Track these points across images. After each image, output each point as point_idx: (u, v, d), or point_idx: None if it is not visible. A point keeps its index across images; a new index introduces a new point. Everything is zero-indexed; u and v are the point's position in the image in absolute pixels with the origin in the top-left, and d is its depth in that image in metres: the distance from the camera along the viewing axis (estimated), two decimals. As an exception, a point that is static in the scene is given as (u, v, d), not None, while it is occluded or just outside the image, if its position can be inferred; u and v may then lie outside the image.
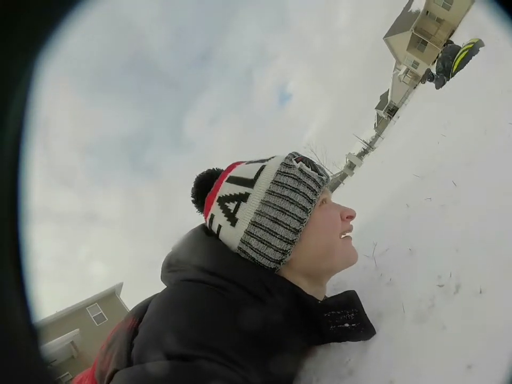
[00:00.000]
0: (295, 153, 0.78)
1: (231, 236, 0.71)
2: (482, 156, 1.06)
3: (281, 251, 0.68)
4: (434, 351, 0.50)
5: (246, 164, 0.79)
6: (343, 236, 0.76)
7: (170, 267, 0.74)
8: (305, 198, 0.70)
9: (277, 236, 0.68)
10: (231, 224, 0.71)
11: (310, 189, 0.72)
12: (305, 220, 0.69)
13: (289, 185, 0.70)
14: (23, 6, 0.19)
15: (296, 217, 0.69)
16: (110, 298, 17.22)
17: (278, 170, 0.73)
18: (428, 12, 22.84)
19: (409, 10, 25.30)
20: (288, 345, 0.64)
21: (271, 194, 0.70)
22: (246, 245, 0.69)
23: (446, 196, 0.96)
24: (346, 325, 0.63)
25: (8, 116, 0.20)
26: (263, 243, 0.68)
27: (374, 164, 6.83)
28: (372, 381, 0.53)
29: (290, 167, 0.73)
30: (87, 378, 0.72)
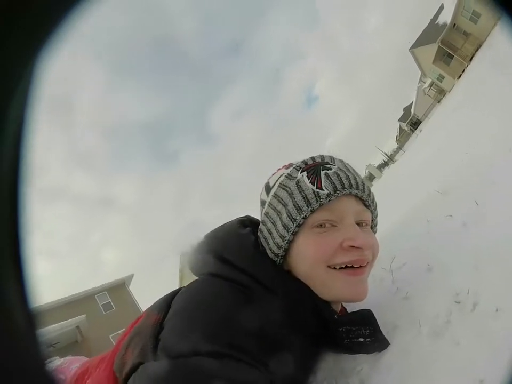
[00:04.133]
0: (312, 159, 0.76)
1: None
2: (505, 175, 1.05)
3: (274, 254, 0.71)
4: (448, 366, 0.51)
5: (286, 168, 0.79)
6: (338, 267, 0.67)
7: (199, 256, 0.76)
8: (288, 216, 0.69)
9: (269, 245, 0.72)
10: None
11: (295, 206, 0.68)
12: (286, 239, 0.69)
13: (282, 199, 0.72)
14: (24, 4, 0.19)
15: (279, 233, 0.70)
16: (119, 288, 17.49)
17: (280, 183, 0.74)
18: (455, 24, 22.38)
19: (436, 22, 24.85)
20: (303, 348, 0.65)
21: (269, 206, 0.74)
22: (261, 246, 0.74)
23: (468, 214, 0.96)
24: (361, 339, 0.63)
25: (9, 115, 0.20)
26: (266, 243, 0.73)
27: (394, 176, 6.73)
28: None
29: (291, 179, 0.73)
30: (97, 368, 0.75)
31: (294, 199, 0.69)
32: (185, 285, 0.72)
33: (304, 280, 0.68)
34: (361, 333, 0.63)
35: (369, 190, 0.73)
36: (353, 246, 0.66)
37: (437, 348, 0.57)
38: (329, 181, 0.68)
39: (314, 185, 0.68)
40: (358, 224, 0.70)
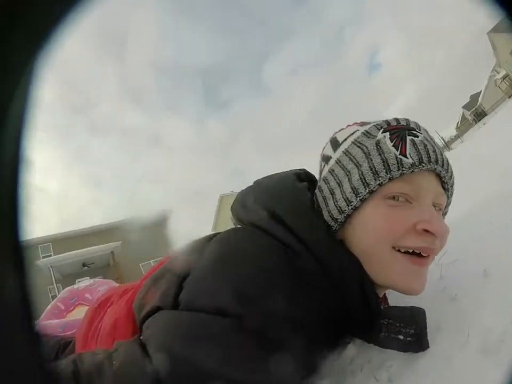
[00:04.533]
0: (396, 120, 0.65)
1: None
2: None
3: (332, 218, 0.64)
4: None
5: (351, 125, 0.71)
6: (403, 250, 0.59)
7: (245, 203, 0.70)
8: (361, 179, 0.60)
9: (328, 206, 0.64)
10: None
11: (372, 170, 0.59)
12: (352, 204, 0.61)
13: (355, 158, 0.62)
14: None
15: (344, 196, 0.62)
16: (156, 223, 18.30)
17: (355, 139, 0.64)
18: None
19: None
20: (333, 331, 0.60)
21: (337, 163, 0.65)
22: (316, 204, 0.67)
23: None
24: (401, 337, 0.56)
25: (10, 112, 0.20)
26: (324, 203, 0.65)
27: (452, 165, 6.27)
28: None
29: (369, 137, 0.63)
30: (119, 299, 0.73)
31: (371, 161, 0.60)
32: (220, 230, 0.67)
33: (359, 256, 0.61)
34: (403, 331, 0.56)
35: (452, 172, 0.63)
36: (427, 231, 0.58)
37: (485, 367, 0.49)
38: (416, 149, 0.59)
39: (397, 150, 0.59)
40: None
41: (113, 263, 14.94)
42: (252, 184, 0.76)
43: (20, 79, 0.20)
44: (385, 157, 0.59)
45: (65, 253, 13.93)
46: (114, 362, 0.47)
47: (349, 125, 0.72)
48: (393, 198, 0.60)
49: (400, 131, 0.62)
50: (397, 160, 0.58)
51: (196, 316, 0.48)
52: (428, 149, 0.59)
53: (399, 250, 0.59)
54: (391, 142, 0.60)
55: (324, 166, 0.70)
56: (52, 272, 13.84)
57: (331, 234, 0.63)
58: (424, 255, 0.60)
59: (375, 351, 0.59)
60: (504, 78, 27.89)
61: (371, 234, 0.60)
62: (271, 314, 0.49)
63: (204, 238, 0.67)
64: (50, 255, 14.88)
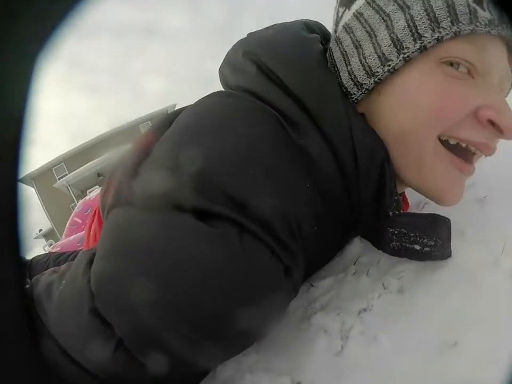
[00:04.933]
0: None
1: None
2: None
3: (354, 83, 0.46)
4: None
5: None
6: (452, 142, 0.46)
7: (232, 60, 0.52)
8: (409, 27, 0.41)
9: (350, 64, 0.46)
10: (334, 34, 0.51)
11: (428, 15, 0.40)
12: (390, 63, 0.43)
13: None
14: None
15: (379, 52, 0.43)
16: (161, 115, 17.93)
17: None
18: None
19: None
20: (341, 227, 0.50)
21: (369, 4, 0.45)
22: (331, 61, 0.49)
23: None
24: (417, 247, 0.45)
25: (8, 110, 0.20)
26: (344, 62, 0.47)
27: None
28: (427, 319, 0.42)
29: None
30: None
31: (429, 1, 0.40)
32: None
33: (388, 141, 0.46)
34: (419, 241, 0.45)
35: None
36: (492, 123, 0.42)
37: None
38: (495, 4, 0.39)
39: None
40: None
41: None
42: (245, 37, 0.55)
43: (20, 79, 0.20)
44: (452, 1, 0.39)
45: (79, 168, 13.64)
46: (63, 281, 0.38)
47: None
48: (451, 64, 0.42)
49: None
50: (469, 9, 0.39)
51: (145, 216, 0.36)
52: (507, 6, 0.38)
53: (445, 142, 0.45)
54: None
55: (344, 12, 0.49)
56: (70, 190, 13.82)
57: (349, 103, 0.46)
58: (472, 153, 0.47)
59: (388, 259, 0.50)
60: None
61: (415, 113, 0.44)
62: (251, 203, 0.36)
63: (178, 110, 0.49)
64: (66, 174, 14.54)
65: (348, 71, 0.46)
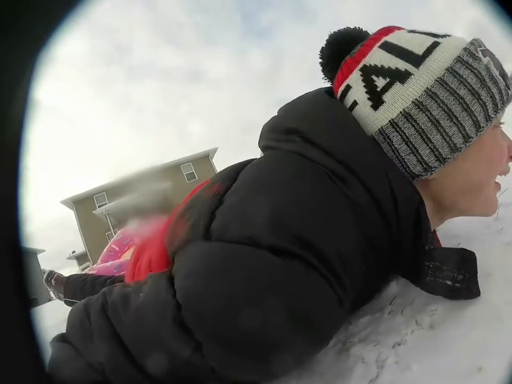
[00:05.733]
0: (481, 41, 0.55)
1: (367, 120, 0.55)
2: None
3: (424, 165, 0.53)
4: None
5: (408, 31, 0.57)
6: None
7: (274, 134, 0.61)
8: (483, 110, 0.51)
9: (429, 145, 0.52)
10: (372, 106, 0.55)
11: (492, 100, 0.52)
12: (471, 140, 0.52)
13: (469, 84, 0.51)
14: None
15: (462, 131, 0.51)
16: (203, 160, 18.66)
17: (458, 57, 0.52)
18: None
19: None
20: (383, 268, 0.57)
21: (442, 86, 0.51)
22: (384, 139, 0.54)
23: None
24: (448, 282, 0.51)
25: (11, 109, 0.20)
26: (408, 145, 0.53)
27: None
28: (455, 349, 0.47)
29: (475, 59, 0.52)
30: (157, 236, 0.72)
31: (490, 89, 0.52)
32: None
33: (455, 191, 0.58)
34: (451, 275, 0.51)
35: None
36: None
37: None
38: (509, 78, 0.55)
39: (503, 80, 0.54)
40: None
41: (165, 203, 15.67)
42: (277, 112, 0.66)
43: (20, 79, 0.20)
44: (499, 87, 0.53)
45: (119, 200, 14.39)
46: (141, 294, 0.47)
47: (391, 27, 0.59)
48: (495, 126, 0.57)
49: (493, 56, 0.54)
50: (506, 91, 0.54)
51: (227, 246, 0.45)
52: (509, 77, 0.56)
53: None
54: (496, 70, 0.53)
55: (392, 83, 0.53)
56: (108, 219, 14.67)
57: (382, 157, 0.53)
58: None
59: (419, 292, 0.56)
60: None
61: (490, 167, 0.57)
62: (314, 242, 0.44)
63: (242, 163, 0.61)
64: (106, 203, 15.53)
65: (430, 148, 0.52)
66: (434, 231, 0.68)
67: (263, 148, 0.63)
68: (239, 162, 0.63)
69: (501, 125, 0.58)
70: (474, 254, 0.52)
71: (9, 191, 0.22)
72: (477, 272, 0.51)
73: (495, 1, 0.31)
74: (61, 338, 0.52)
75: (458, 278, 0.51)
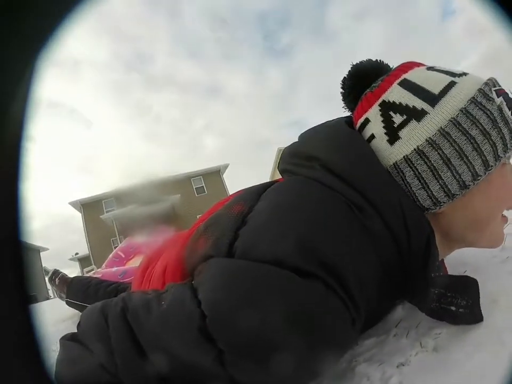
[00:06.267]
0: (496, 81, 0.58)
1: (384, 153, 0.58)
2: None
3: (434, 200, 0.56)
4: None
5: (427, 69, 0.61)
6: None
7: (295, 159, 0.64)
8: (493, 150, 0.54)
9: (439, 181, 0.54)
10: (389, 141, 0.57)
11: (502, 141, 0.54)
12: (480, 178, 0.54)
13: (480, 124, 0.53)
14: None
15: (472, 169, 0.54)
16: (213, 175, 18.62)
17: (472, 98, 0.54)
18: None
19: None
20: (392, 293, 0.60)
21: (455, 126, 0.54)
22: (397, 173, 0.57)
23: None
24: (453, 308, 0.54)
25: (12, 108, 0.20)
26: (419, 181, 0.55)
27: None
28: (457, 371, 0.48)
29: (489, 100, 0.54)
30: (172, 247, 0.75)
31: (500, 130, 0.54)
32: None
33: (465, 225, 0.60)
34: (455, 302, 0.54)
35: None
36: None
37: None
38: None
39: None
40: None
41: (173, 215, 15.59)
42: (297, 139, 0.69)
43: (21, 79, 0.20)
44: (510, 127, 0.55)
45: (127, 207, 14.35)
46: (163, 302, 0.48)
47: (411, 63, 0.63)
48: (504, 165, 0.58)
49: (506, 96, 0.56)
50: None
51: (253, 265, 0.46)
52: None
53: None
54: (509, 110, 0.55)
55: (408, 120, 0.56)
56: (114, 225, 14.77)
57: (396, 189, 0.56)
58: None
59: (424, 316, 0.58)
60: None
61: (494, 203, 0.59)
62: (336, 266, 0.46)
63: (261, 185, 0.65)
64: (114, 209, 15.60)
65: (440, 184, 0.55)
66: (442, 259, 0.70)
67: (282, 170, 0.67)
68: (260, 184, 0.66)
69: (507, 163, 0.59)
70: (476, 280, 0.54)
71: (10, 189, 0.22)
72: (479, 298, 0.53)
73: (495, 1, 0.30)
74: (71, 338, 0.53)
75: (461, 303, 0.53)
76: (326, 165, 0.57)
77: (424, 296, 0.57)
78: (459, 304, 0.54)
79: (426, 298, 0.57)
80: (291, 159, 0.65)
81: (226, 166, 19.36)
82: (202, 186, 18.07)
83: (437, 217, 0.59)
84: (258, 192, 0.61)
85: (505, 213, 0.64)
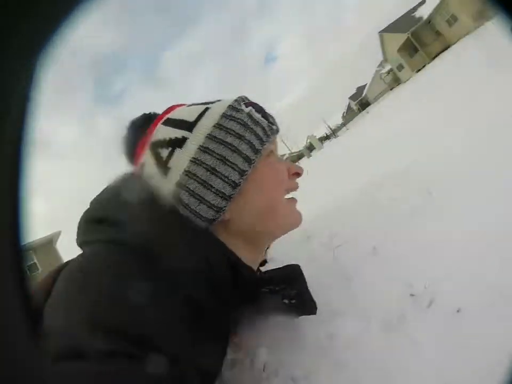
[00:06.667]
0: (245, 97, 0.68)
1: (163, 189, 0.58)
2: (461, 165, 1.06)
3: (215, 208, 0.57)
4: (407, 363, 0.47)
5: (188, 106, 0.67)
6: (287, 196, 0.68)
7: (89, 225, 0.59)
8: (250, 147, 0.60)
9: (212, 190, 0.57)
10: (163, 175, 0.59)
11: (257, 137, 0.62)
12: (246, 172, 0.59)
13: (233, 131, 0.60)
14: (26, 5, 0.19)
15: (237, 168, 0.59)
16: (46, 247, 15.54)
17: (223, 113, 0.62)
18: (430, 21, 22.88)
19: (412, 14, 25.37)
20: (222, 325, 0.58)
21: (211, 139, 0.59)
22: (177, 201, 0.57)
23: (420, 201, 0.94)
24: (286, 301, 0.57)
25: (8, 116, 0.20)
26: (195, 198, 0.57)
27: (337, 151, 6.92)
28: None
29: (238, 111, 0.63)
30: None
31: (253, 129, 0.62)
32: None
33: (256, 218, 0.62)
34: (286, 294, 0.57)
35: None
36: (297, 173, 0.71)
37: (391, 343, 0.53)
38: (271, 117, 0.69)
39: (266, 120, 0.66)
40: None
41: None
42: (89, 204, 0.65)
43: (20, 81, 0.20)
44: (262, 126, 0.64)
45: None
46: None
47: (174, 105, 0.70)
48: (269, 155, 0.65)
49: (256, 105, 0.66)
50: (269, 127, 0.65)
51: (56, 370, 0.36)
52: (273, 117, 0.71)
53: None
54: (258, 113, 0.65)
55: (173, 150, 0.60)
56: None
57: (192, 231, 0.57)
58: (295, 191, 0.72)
59: (285, 350, 0.59)
60: (388, 72, 32.10)
61: (270, 189, 0.63)
62: (134, 332, 0.41)
63: (64, 263, 0.56)
64: None
65: (214, 192, 0.57)
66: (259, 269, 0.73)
67: (80, 244, 0.60)
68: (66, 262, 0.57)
69: (272, 153, 0.66)
70: (298, 265, 0.60)
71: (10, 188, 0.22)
72: (305, 282, 0.58)
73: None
74: None
75: (291, 293, 0.57)
76: (112, 221, 0.55)
77: (258, 302, 0.59)
78: (290, 295, 0.57)
79: (260, 303, 0.58)
80: (86, 226, 0.60)
81: (58, 234, 16.66)
82: (35, 263, 14.49)
83: (228, 226, 0.61)
84: (54, 274, 0.52)
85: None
